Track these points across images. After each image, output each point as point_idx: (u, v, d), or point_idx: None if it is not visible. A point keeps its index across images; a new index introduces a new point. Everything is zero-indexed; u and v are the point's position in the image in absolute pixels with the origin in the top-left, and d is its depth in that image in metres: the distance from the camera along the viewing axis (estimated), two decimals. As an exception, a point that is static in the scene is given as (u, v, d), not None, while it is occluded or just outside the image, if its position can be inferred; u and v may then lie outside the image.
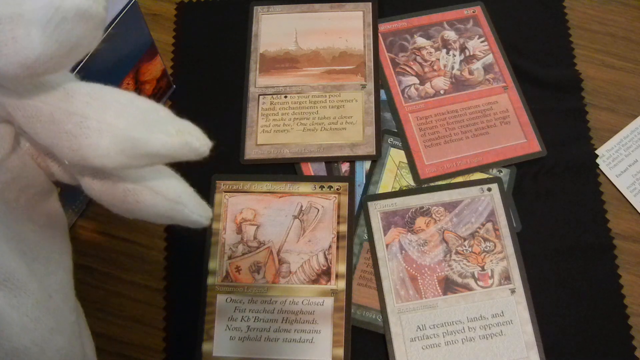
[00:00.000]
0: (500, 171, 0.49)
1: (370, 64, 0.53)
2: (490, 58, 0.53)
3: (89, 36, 0.23)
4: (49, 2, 0.21)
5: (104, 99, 0.25)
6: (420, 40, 0.54)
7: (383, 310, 0.45)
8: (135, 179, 0.27)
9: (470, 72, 0.53)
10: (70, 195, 0.45)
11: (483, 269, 0.45)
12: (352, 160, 0.49)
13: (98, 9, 0.22)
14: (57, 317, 0.28)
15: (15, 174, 0.28)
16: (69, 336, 0.29)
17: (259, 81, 0.52)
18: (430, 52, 0.53)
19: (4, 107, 0.26)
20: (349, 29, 0.54)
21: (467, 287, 0.45)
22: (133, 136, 0.23)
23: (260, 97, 0.52)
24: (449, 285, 0.45)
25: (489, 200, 0.48)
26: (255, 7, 0.55)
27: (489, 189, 0.48)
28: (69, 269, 0.32)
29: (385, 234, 0.47)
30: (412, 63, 0.53)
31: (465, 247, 0.46)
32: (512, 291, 0.45)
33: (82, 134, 0.24)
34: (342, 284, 0.45)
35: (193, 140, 0.24)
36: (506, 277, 0.45)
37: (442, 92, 0.52)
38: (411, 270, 0.46)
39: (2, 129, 0.27)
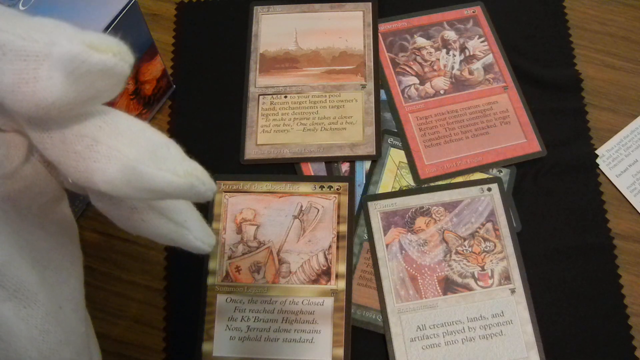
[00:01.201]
0: (500, 171, 0.49)
1: (370, 64, 0.53)
2: (490, 58, 0.53)
3: (109, 90, 0.23)
4: (78, 53, 0.21)
5: (116, 125, 0.24)
6: (420, 40, 0.54)
7: (383, 310, 0.45)
8: None
9: (470, 72, 0.53)
10: (71, 195, 0.45)
11: (483, 269, 0.45)
12: (352, 160, 0.49)
13: (124, 67, 0.22)
14: (66, 329, 0.28)
15: (28, 182, 0.27)
16: (77, 348, 0.29)
17: (259, 81, 0.52)
18: (430, 52, 0.53)
19: (16, 120, 0.26)
20: (349, 29, 0.54)
21: (467, 287, 0.45)
22: (141, 170, 0.23)
23: (260, 97, 0.52)
24: (449, 285, 0.45)
25: (489, 200, 0.48)
26: (255, 7, 0.55)
27: (489, 189, 0.48)
28: (80, 278, 0.31)
29: (385, 234, 0.47)
30: (412, 63, 0.53)
31: (465, 247, 0.46)
32: (512, 291, 0.45)
33: (91, 157, 0.24)
34: (342, 284, 0.45)
35: (199, 185, 0.24)
36: (506, 277, 0.45)
37: (442, 92, 0.52)
38: (411, 270, 0.46)
39: (17, 139, 0.26)
